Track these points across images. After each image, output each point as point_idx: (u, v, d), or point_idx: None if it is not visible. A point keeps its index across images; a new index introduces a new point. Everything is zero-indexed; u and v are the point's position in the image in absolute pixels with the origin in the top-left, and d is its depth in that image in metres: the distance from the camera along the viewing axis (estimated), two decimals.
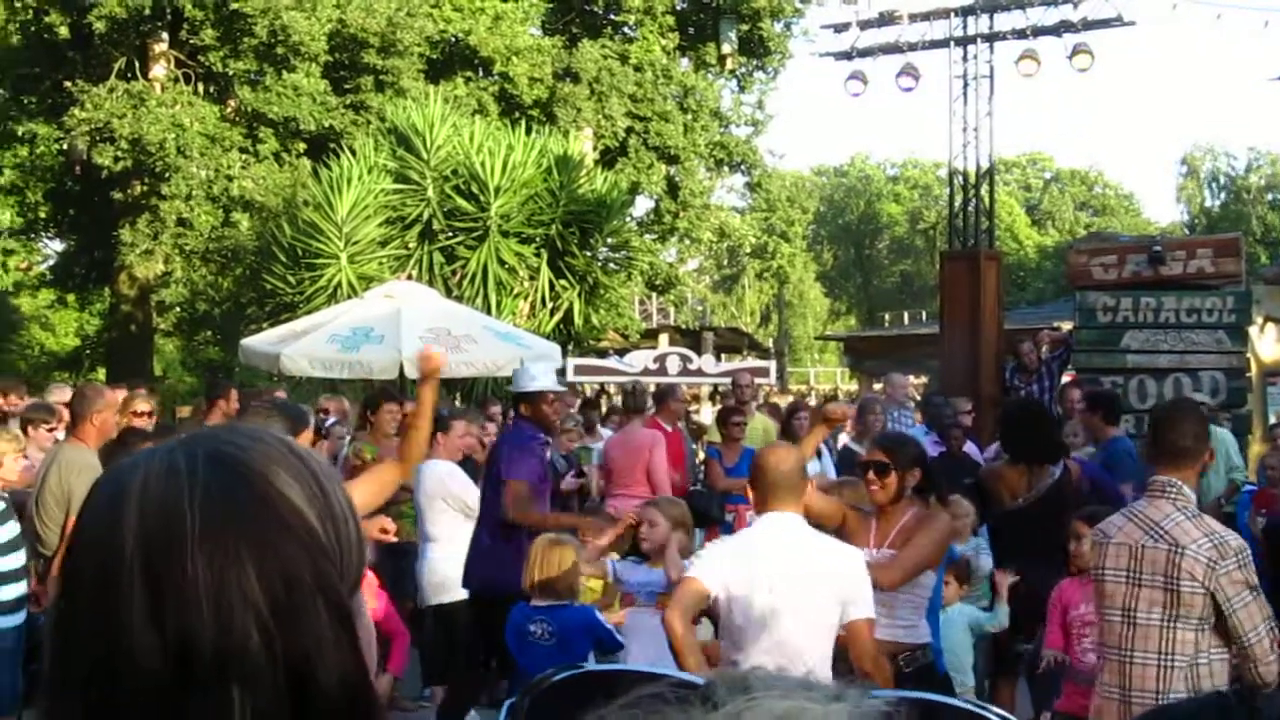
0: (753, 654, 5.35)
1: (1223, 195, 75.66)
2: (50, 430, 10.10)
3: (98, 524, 1.29)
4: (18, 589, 8.20)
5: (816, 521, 6.30)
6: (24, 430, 9.79)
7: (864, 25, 19.85)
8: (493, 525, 8.75)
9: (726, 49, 30.50)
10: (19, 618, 8.24)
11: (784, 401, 19.69)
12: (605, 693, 1.13)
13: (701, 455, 13.93)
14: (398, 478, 5.98)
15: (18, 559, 8.18)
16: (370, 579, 7.91)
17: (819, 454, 12.51)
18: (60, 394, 12.27)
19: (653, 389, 16.02)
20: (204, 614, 1.22)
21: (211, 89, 27.84)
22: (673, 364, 19.37)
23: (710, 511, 11.66)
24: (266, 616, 1.24)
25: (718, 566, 5.53)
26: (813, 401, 28.97)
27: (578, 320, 21.17)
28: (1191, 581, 5.07)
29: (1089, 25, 18.76)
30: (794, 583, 5.36)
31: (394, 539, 7.18)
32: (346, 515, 1.37)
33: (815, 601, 5.38)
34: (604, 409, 17.95)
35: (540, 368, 9.61)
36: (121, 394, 11.16)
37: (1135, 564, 5.22)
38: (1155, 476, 5.36)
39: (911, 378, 28.58)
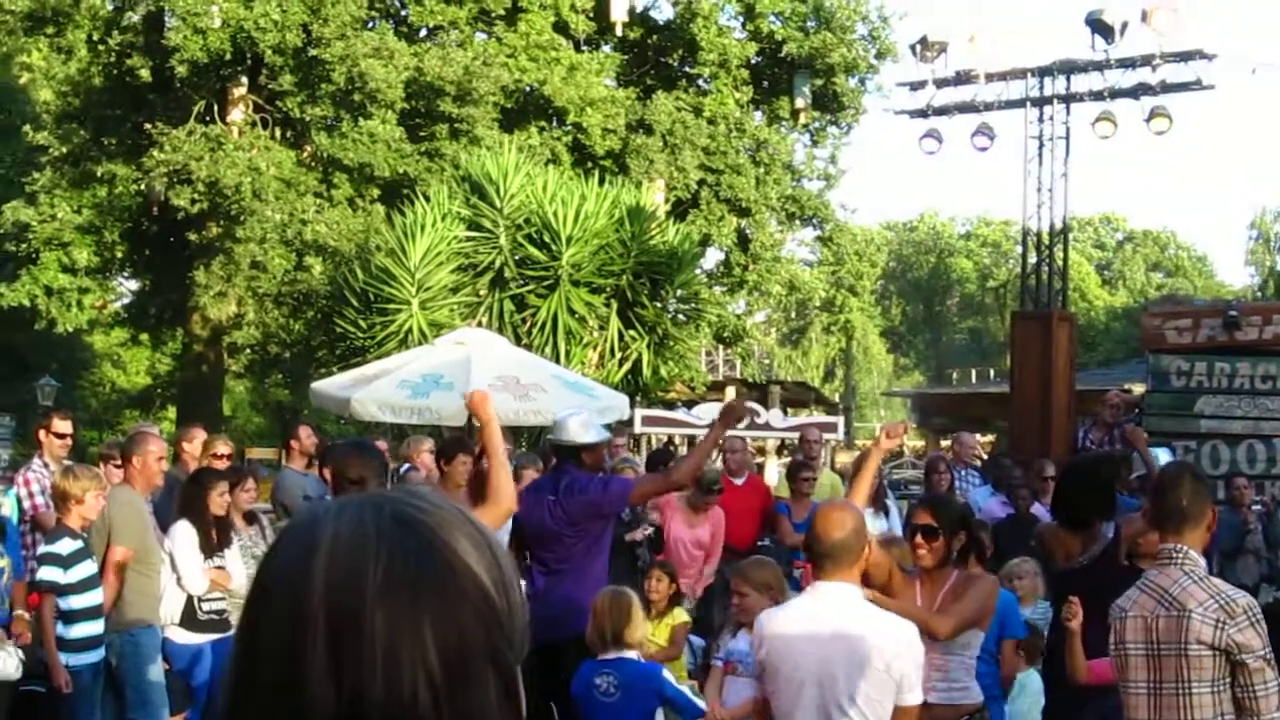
0: None
1: None
2: (118, 467, 10.26)
3: (286, 576, 1.31)
4: (93, 627, 8.28)
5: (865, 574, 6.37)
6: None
7: (940, 84, 19.85)
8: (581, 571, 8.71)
9: (800, 103, 30.49)
10: (96, 655, 8.31)
11: (850, 457, 19.57)
12: None
13: None
14: (493, 527, 5.92)
15: (94, 597, 8.27)
16: None
17: (886, 512, 12.43)
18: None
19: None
20: (376, 673, 1.24)
21: (288, 134, 28.16)
22: None
23: None
24: (438, 681, 1.26)
25: (761, 656, 5.38)
26: None
27: (646, 371, 21.12)
28: (1199, 644, 5.12)
29: (1167, 88, 18.62)
30: (846, 669, 5.14)
31: None
32: (514, 583, 1.37)
33: (867, 689, 5.14)
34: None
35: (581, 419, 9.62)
36: (201, 437, 11.29)
37: (1151, 635, 5.27)
38: (1163, 545, 5.42)
39: (979, 436, 28.44)
